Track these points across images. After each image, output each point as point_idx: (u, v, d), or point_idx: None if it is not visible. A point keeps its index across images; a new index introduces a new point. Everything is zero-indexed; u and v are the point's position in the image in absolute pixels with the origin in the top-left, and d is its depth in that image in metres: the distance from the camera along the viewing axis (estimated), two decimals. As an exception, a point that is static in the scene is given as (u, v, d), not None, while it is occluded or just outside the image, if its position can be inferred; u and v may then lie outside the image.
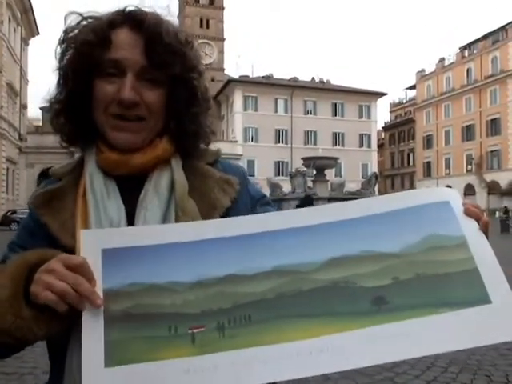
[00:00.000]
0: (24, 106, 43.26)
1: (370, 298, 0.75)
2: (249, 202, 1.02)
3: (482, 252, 0.78)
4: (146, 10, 0.94)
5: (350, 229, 0.81)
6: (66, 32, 0.93)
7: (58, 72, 0.93)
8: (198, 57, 0.98)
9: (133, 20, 0.90)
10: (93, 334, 0.72)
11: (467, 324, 0.72)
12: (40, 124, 56.16)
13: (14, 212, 30.13)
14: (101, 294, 0.73)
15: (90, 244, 0.78)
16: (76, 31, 0.91)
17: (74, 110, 0.93)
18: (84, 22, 0.92)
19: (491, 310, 0.73)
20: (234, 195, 0.97)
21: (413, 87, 69.98)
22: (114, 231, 0.84)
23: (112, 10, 0.94)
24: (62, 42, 0.92)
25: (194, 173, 0.97)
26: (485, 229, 0.81)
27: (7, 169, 34.75)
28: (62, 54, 0.92)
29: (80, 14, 0.93)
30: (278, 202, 23.69)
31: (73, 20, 0.93)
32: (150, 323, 0.73)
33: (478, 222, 0.82)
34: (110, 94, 0.88)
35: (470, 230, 0.80)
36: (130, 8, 0.93)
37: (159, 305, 0.74)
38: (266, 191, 27.28)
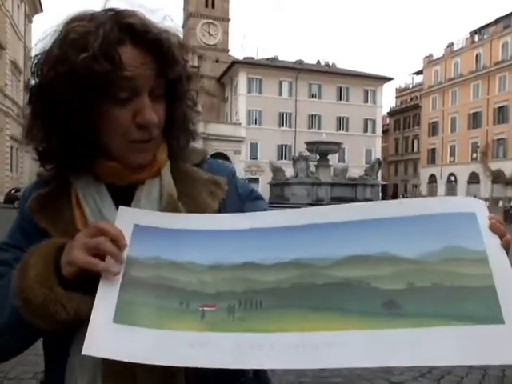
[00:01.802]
0: (28, 84, 42.94)
1: (381, 300, 0.74)
2: (237, 200, 1.03)
3: (502, 270, 0.76)
4: (139, 15, 0.86)
5: (372, 229, 0.81)
6: (59, 46, 0.82)
7: (40, 88, 0.85)
8: (187, 60, 0.94)
9: (134, 35, 0.84)
10: (108, 291, 0.76)
11: (475, 341, 0.70)
12: (44, 102, 55.83)
13: (17, 190, 30.16)
14: (124, 259, 0.79)
15: (125, 218, 0.83)
16: (71, 49, 0.80)
17: (67, 129, 0.86)
18: (74, 36, 0.81)
19: (502, 331, 0.70)
20: (223, 196, 0.97)
21: (420, 72, 69.18)
22: (148, 212, 0.88)
23: (102, 19, 0.83)
24: (53, 58, 0.82)
25: (181, 176, 0.97)
26: (507, 246, 0.79)
27: (11, 147, 34.74)
28: (54, 71, 0.81)
29: (68, 31, 0.82)
30: (280, 186, 23.68)
31: (61, 34, 0.84)
32: (164, 294, 0.77)
33: (501, 239, 0.79)
34: (128, 119, 0.85)
35: (493, 246, 0.78)
36: (127, 19, 0.84)
37: (176, 280, 0.78)
38: (269, 175, 27.20)
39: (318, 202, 21.25)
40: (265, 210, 1.02)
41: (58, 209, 0.91)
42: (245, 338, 0.73)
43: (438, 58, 62.62)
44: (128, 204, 0.89)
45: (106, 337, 0.72)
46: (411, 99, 71.98)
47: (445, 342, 0.70)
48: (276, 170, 24.40)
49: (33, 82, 0.87)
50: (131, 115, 0.85)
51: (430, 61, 64.21)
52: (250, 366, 0.74)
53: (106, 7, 0.88)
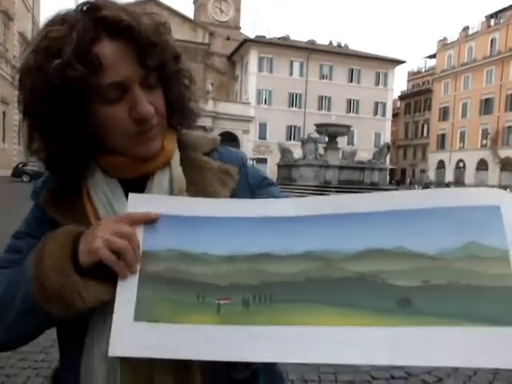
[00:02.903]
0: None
1: (396, 297, 0.73)
2: (248, 190, 1.01)
3: None
4: (112, 5, 0.81)
5: (388, 221, 0.78)
6: (34, 56, 0.79)
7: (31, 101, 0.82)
8: (173, 39, 0.90)
9: (109, 28, 0.78)
10: (127, 290, 0.77)
11: (493, 343, 0.68)
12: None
13: (25, 164, 30.30)
14: (140, 254, 0.79)
15: (136, 207, 0.83)
16: (45, 58, 0.77)
17: (64, 136, 0.83)
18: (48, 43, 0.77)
19: None
20: (234, 186, 0.96)
21: (433, 56, 68.13)
22: (160, 198, 0.87)
23: (75, 18, 0.78)
24: (29, 69, 0.79)
25: (191, 166, 0.95)
26: None
27: (19, 121, 34.74)
28: (36, 82, 0.78)
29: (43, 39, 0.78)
30: (288, 167, 23.62)
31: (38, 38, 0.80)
32: (180, 288, 0.77)
33: None
34: (124, 116, 0.82)
35: None
36: (99, 13, 0.78)
37: (191, 272, 0.78)
38: (277, 155, 27.09)
39: (325, 185, 21.21)
40: (276, 196, 1.00)
41: (70, 203, 0.89)
42: (259, 332, 0.74)
43: (452, 42, 61.52)
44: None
45: (129, 337, 0.74)
46: (423, 83, 70.98)
47: (459, 343, 0.68)
48: (284, 151, 24.32)
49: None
50: (127, 111, 0.82)
51: (443, 44, 63.11)
52: (267, 359, 0.74)
53: (81, 1, 0.81)
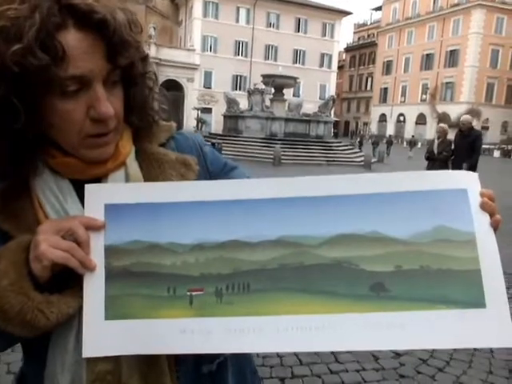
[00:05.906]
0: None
1: (369, 283, 0.74)
2: (208, 178, 0.94)
3: (488, 253, 0.75)
4: None
5: (361, 205, 0.77)
6: None
7: None
8: (143, 38, 0.85)
9: (77, 16, 0.70)
10: (94, 289, 0.73)
11: (459, 324, 0.72)
12: None
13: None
14: (102, 250, 0.75)
15: (93, 199, 0.77)
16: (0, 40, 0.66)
17: (11, 129, 0.72)
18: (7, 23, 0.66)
19: (484, 315, 0.72)
20: (194, 178, 0.89)
21: (379, 8, 68.27)
22: (118, 186, 0.81)
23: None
24: None
25: (148, 160, 0.88)
26: (495, 226, 0.77)
27: None
28: None
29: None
30: (234, 118, 23.40)
31: None
32: (149, 282, 0.74)
33: (491, 217, 0.77)
34: (81, 114, 0.74)
35: (482, 226, 0.76)
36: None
37: (159, 264, 0.75)
38: (223, 105, 26.69)
39: (271, 137, 21.29)
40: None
41: (19, 208, 0.80)
42: (233, 322, 0.73)
43: (398, -5, 61.76)
44: None
45: (101, 336, 0.72)
46: (368, 36, 71.39)
47: (430, 326, 0.72)
48: (230, 102, 23.99)
49: None
50: (84, 109, 0.74)
51: (390, -3, 63.25)
52: (241, 350, 0.74)
53: None
